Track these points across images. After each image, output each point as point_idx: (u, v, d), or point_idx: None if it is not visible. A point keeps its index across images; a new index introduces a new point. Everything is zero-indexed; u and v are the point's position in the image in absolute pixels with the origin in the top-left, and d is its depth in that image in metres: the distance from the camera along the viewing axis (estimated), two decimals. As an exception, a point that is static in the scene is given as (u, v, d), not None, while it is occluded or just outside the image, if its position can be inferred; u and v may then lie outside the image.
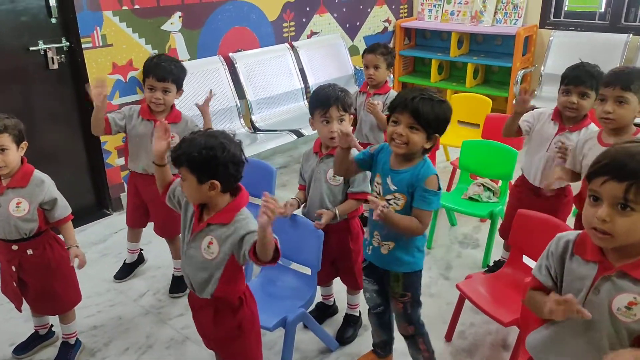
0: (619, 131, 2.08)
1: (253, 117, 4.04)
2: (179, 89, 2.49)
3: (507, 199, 2.74)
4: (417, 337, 2.05)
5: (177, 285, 2.77)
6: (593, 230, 1.23)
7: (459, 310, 2.37)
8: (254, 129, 4.02)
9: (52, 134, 3.31)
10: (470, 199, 3.05)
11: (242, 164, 1.66)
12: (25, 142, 2.05)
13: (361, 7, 5.12)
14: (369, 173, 2.08)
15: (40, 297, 2.17)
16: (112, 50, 3.39)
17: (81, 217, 3.38)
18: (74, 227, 2.15)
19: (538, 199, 2.45)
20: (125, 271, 2.93)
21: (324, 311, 2.55)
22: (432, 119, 1.72)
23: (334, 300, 2.58)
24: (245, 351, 1.85)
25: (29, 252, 2.07)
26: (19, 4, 3.03)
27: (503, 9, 5.12)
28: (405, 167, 1.81)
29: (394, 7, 5.49)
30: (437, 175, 1.79)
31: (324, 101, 2.09)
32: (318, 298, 2.56)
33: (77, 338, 2.36)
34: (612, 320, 1.27)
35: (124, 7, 3.39)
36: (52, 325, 2.40)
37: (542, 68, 4.77)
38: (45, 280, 2.13)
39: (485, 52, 5.36)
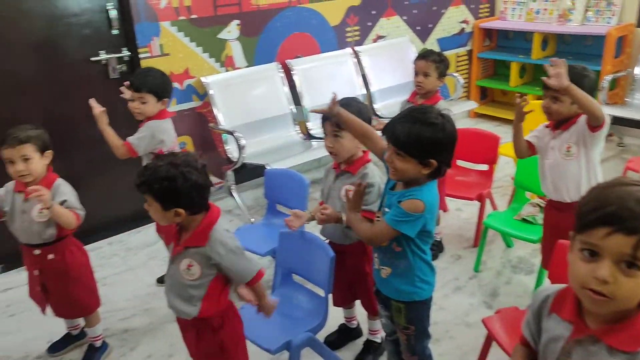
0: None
1: (308, 125, 3.99)
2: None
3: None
4: None
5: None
6: (587, 292, 1.00)
7: (487, 347, 2.14)
8: (309, 136, 3.97)
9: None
10: (524, 220, 2.77)
11: (206, 189, 1.64)
12: (50, 151, 2.14)
13: (434, 8, 4.88)
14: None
15: (61, 302, 2.28)
16: (170, 59, 3.50)
17: (134, 219, 3.55)
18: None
19: (563, 214, 2.21)
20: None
21: (347, 334, 2.44)
22: (411, 142, 1.57)
23: (358, 323, 2.46)
24: None
25: (50, 257, 2.16)
26: (82, 17, 3.21)
27: (595, 7, 4.64)
28: (405, 189, 1.69)
29: (472, 6, 5.18)
30: (423, 202, 1.62)
31: (323, 115, 2.01)
32: (341, 320, 2.46)
33: (103, 341, 2.45)
34: None
35: (181, 17, 3.48)
36: (84, 326, 2.51)
37: (635, 72, 4.25)
38: (64, 285, 2.22)
39: (573, 54, 4.87)
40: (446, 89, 5.06)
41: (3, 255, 3.15)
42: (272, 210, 2.95)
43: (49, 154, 2.14)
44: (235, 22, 3.71)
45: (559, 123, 2.27)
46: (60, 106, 3.25)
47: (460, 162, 3.41)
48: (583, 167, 2.20)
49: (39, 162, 2.08)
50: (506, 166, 3.93)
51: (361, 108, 2.03)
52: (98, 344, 2.43)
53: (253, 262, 1.73)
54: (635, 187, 0.98)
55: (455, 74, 4.69)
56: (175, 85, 3.57)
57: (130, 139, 2.56)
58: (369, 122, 2.06)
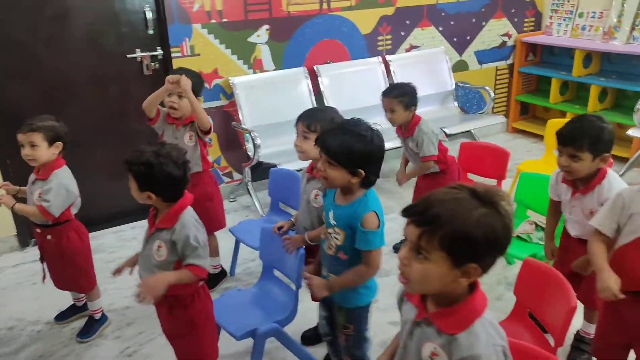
0: None
1: (331, 129, 4.09)
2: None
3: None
4: None
5: (207, 282, 2.95)
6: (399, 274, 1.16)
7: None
8: (330, 140, 4.07)
9: (144, 132, 3.73)
10: (519, 237, 2.74)
11: (181, 182, 1.79)
12: (60, 142, 2.32)
13: (473, 20, 4.85)
14: None
15: (56, 277, 2.53)
16: (199, 60, 3.71)
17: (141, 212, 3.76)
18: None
19: (580, 245, 2.12)
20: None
21: (324, 331, 2.52)
22: (341, 153, 1.66)
23: (337, 322, 2.54)
24: (199, 345, 1.96)
25: (48, 237, 2.40)
26: (122, 16, 3.48)
27: (642, 25, 4.45)
28: (345, 201, 1.78)
29: (516, 20, 5.10)
30: (375, 212, 1.73)
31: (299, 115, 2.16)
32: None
33: (102, 314, 2.67)
34: None
35: (213, 21, 3.69)
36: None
37: (678, 95, 4.05)
38: (58, 266, 2.46)
39: (618, 73, 4.70)
40: (483, 101, 4.99)
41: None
42: (274, 208, 3.08)
43: (59, 145, 2.33)
44: (265, 27, 3.88)
45: (577, 183, 2.07)
46: (97, 98, 3.54)
47: (470, 175, 3.41)
48: None
49: (45, 151, 2.28)
50: (526, 183, 3.86)
51: (334, 117, 2.12)
52: (97, 316, 2.65)
53: (202, 255, 1.81)
54: (455, 191, 1.09)
55: (487, 88, 4.64)
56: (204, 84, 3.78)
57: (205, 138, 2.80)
58: None
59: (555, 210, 2.26)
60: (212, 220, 2.86)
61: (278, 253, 2.32)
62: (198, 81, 2.72)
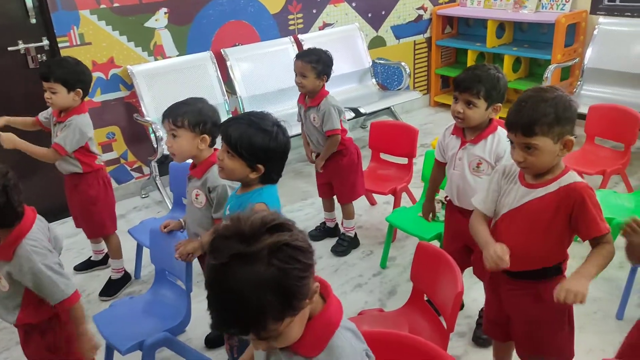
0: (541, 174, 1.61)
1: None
2: None
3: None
4: None
5: (108, 287, 2.78)
6: None
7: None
8: (243, 126, 3.91)
9: (34, 132, 3.45)
10: (426, 217, 2.69)
11: (5, 208, 1.55)
12: None
13: (387, -6, 4.75)
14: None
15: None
16: (91, 49, 3.45)
17: (58, 212, 3.49)
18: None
19: (465, 219, 2.09)
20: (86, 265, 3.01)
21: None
22: (241, 145, 1.60)
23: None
24: None
25: None
26: (-5, 7, 3.17)
27: (549, -7, 4.48)
28: (242, 192, 1.74)
29: (431, -8, 5.04)
30: (265, 204, 1.64)
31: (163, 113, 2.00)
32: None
33: (-12, 334, 2.45)
34: None
35: (102, 6, 3.42)
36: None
37: (584, 61, 4.11)
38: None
39: (529, 41, 4.74)
40: (402, 77, 4.92)
41: None
42: (178, 204, 2.91)
43: None
44: (163, 10, 3.64)
45: (468, 132, 2.08)
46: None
47: (383, 155, 3.34)
48: None
49: None
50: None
51: (202, 107, 1.97)
52: (-19, 337, 2.43)
53: (62, 284, 1.64)
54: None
55: (403, 63, 4.58)
56: (100, 75, 3.53)
57: (57, 140, 2.51)
58: (216, 123, 1.96)
59: (438, 172, 2.29)
60: (96, 226, 2.67)
61: (168, 254, 2.16)
62: (73, 71, 2.46)
